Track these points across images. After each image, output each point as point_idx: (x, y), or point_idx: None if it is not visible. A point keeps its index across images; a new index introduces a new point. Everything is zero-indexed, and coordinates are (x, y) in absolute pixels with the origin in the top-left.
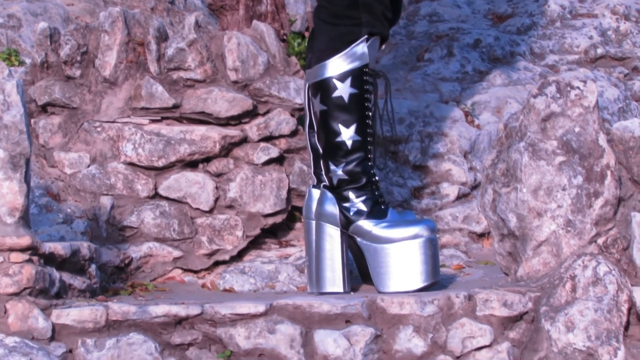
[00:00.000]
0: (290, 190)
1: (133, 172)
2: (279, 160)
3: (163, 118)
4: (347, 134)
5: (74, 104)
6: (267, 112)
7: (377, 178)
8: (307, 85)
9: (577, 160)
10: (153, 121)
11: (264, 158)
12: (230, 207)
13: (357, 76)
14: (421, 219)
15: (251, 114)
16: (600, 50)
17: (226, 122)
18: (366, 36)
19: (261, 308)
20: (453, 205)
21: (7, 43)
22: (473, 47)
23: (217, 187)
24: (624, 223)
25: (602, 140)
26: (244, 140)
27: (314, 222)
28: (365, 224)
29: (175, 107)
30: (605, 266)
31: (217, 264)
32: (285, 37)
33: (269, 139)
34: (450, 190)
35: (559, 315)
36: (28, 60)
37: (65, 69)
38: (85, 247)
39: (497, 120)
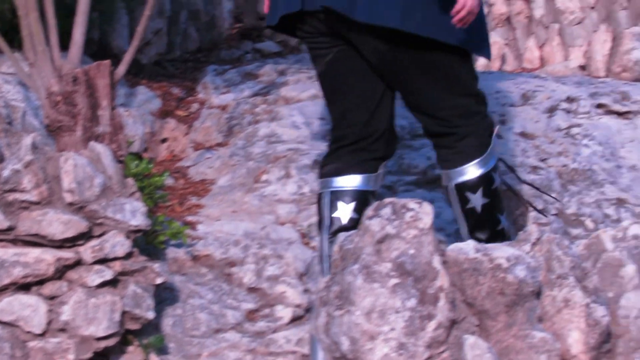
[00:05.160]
0: (124, 313)
1: None
2: (113, 282)
3: None
4: (504, 221)
5: None
6: (102, 234)
7: None
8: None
9: (411, 283)
10: None
11: (98, 281)
12: (62, 330)
13: (498, 165)
14: None
15: (86, 236)
16: (439, 170)
17: (61, 244)
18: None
19: None
20: (287, 327)
21: None
22: (311, 167)
23: (50, 310)
24: (456, 346)
25: (437, 262)
26: (78, 262)
27: None
28: None
29: (10, 229)
30: None
31: None
32: (122, 159)
33: (103, 261)
34: (284, 313)
35: None
36: None
37: None
38: None
39: None
